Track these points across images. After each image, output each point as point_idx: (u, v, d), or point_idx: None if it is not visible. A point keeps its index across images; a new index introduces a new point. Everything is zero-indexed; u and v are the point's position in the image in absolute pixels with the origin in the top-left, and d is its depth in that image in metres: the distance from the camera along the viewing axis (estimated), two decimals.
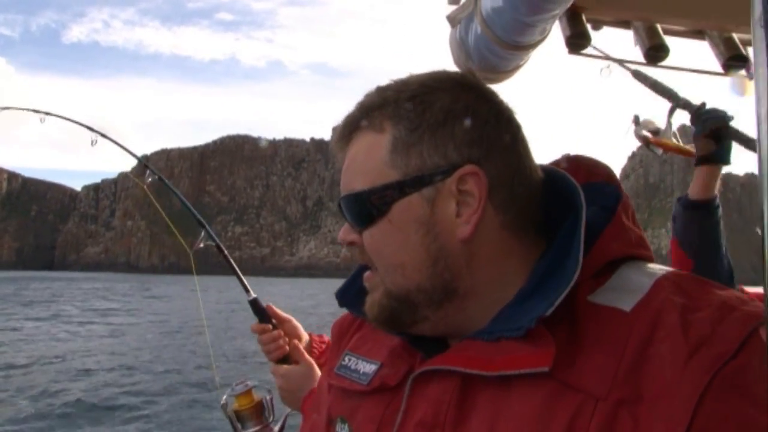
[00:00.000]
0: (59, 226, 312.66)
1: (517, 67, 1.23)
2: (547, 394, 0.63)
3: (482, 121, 0.72)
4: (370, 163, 0.74)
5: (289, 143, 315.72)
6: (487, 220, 0.71)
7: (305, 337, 1.63)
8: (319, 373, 1.45)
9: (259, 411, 1.53)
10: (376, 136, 0.74)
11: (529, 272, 0.72)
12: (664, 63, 1.43)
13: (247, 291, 1.72)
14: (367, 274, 0.80)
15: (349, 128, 0.77)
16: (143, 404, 12.18)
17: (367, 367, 0.83)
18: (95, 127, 2.10)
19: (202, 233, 1.87)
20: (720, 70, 1.47)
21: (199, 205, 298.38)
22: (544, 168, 0.79)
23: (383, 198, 0.72)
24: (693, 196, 1.70)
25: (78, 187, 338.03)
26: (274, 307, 1.64)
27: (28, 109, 2.19)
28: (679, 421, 0.55)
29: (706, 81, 1.59)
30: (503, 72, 1.23)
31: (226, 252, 1.88)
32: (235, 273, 1.82)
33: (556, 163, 0.81)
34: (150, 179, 2.08)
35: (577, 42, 1.29)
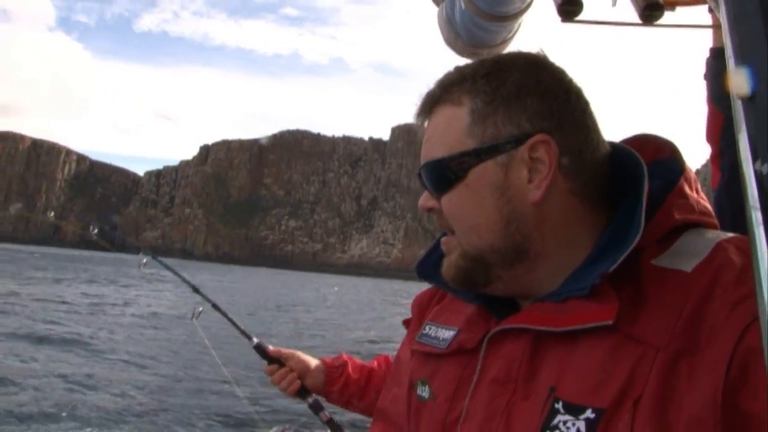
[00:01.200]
0: (121, 210, 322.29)
1: (506, 40, 1.24)
2: (610, 346, 0.67)
3: (553, 96, 0.77)
4: (449, 134, 0.80)
5: (347, 141, 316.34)
6: (557, 186, 0.76)
7: (314, 363, 1.70)
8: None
9: None
10: (455, 109, 0.80)
11: (597, 239, 0.77)
12: (659, 22, 1.43)
13: (249, 338, 1.80)
14: (444, 238, 0.86)
15: (431, 102, 0.83)
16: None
17: (446, 333, 0.88)
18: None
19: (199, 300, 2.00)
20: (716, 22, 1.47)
21: (256, 197, 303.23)
22: (612, 144, 0.84)
23: (461, 164, 0.78)
24: (719, 43, 1.64)
25: (141, 172, 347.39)
26: (272, 348, 1.74)
27: None
28: (721, 360, 0.59)
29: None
30: (492, 46, 1.24)
31: (222, 310, 1.96)
32: (233, 324, 1.89)
33: (626, 140, 0.85)
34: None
35: (569, 9, 1.30)
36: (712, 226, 0.77)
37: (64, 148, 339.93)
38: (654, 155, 0.81)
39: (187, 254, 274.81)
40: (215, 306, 1.93)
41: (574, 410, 0.66)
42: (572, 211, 0.77)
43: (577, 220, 0.77)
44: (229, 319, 1.90)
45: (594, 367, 0.67)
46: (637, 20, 1.41)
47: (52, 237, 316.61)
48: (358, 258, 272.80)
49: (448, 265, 0.84)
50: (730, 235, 0.73)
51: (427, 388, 0.87)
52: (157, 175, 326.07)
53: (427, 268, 0.96)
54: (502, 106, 0.77)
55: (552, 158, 0.75)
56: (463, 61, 0.90)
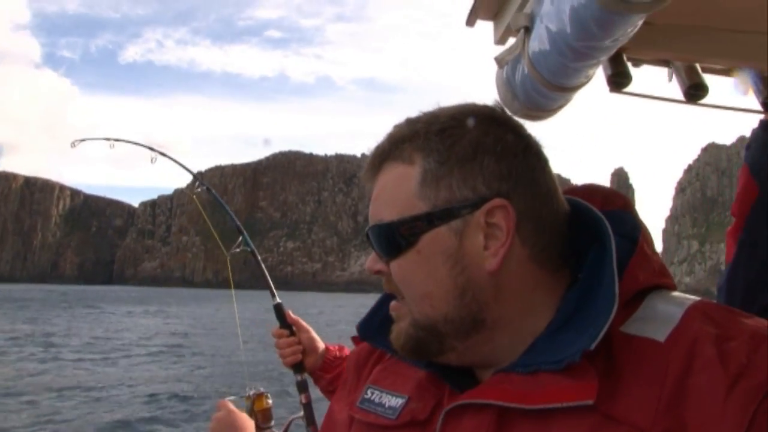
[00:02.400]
0: (118, 242, 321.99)
1: (562, 106, 1.29)
2: (590, 428, 0.62)
3: (511, 155, 0.72)
4: (399, 195, 0.75)
5: (340, 159, 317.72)
6: (514, 252, 0.72)
7: (321, 347, 1.71)
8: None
9: (268, 416, 1.60)
10: (406, 168, 0.74)
11: (557, 304, 0.73)
12: (702, 101, 1.44)
13: (273, 295, 1.82)
14: (393, 303, 0.80)
15: (379, 159, 0.78)
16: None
17: (393, 401, 0.81)
18: (153, 145, 2.26)
19: (240, 239, 1.97)
20: (759, 107, 1.50)
21: (252, 221, 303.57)
22: (570, 202, 0.79)
23: (412, 229, 0.73)
24: None
25: (136, 203, 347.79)
26: (293, 315, 1.74)
27: (99, 138, 2.44)
28: None
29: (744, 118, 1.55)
30: (548, 111, 1.28)
31: (259, 258, 2.00)
32: (264, 277, 1.94)
33: (572, 190, 0.82)
34: (199, 189, 2.22)
35: (618, 81, 1.34)
36: (671, 287, 0.75)
37: (57, 183, 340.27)
38: (603, 205, 0.78)
39: (186, 282, 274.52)
40: (253, 253, 1.96)
41: None
42: (531, 277, 0.73)
43: (536, 285, 0.73)
44: (263, 270, 1.94)
45: None
46: (681, 98, 1.44)
47: (50, 274, 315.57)
48: (359, 275, 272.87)
49: (398, 332, 0.78)
50: (694, 298, 0.71)
51: None
52: (152, 205, 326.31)
53: (370, 328, 0.89)
54: (457, 166, 0.72)
55: (510, 224, 0.70)
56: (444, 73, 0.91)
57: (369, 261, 0.80)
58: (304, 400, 1.70)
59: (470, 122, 0.74)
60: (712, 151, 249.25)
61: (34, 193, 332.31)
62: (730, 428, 0.56)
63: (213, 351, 24.16)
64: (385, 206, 0.76)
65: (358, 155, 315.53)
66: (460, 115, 0.75)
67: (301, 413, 1.70)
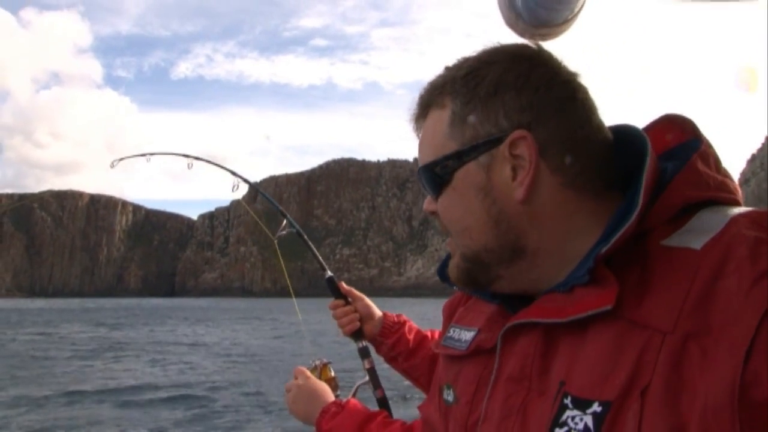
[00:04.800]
0: (179, 254, 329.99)
1: (569, 20, 1.25)
2: (615, 333, 0.65)
3: (533, 89, 0.75)
4: (434, 137, 0.80)
5: (392, 164, 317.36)
6: (545, 180, 0.74)
7: (378, 314, 1.75)
8: (326, 394, 1.46)
9: (334, 385, 1.62)
10: (440, 113, 0.80)
11: (605, 226, 0.74)
12: None
13: (323, 269, 1.85)
14: (447, 240, 0.86)
15: (422, 108, 0.84)
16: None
17: (467, 335, 0.88)
18: (207, 158, 2.29)
19: (284, 221, 1.99)
20: None
21: (308, 229, 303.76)
22: (617, 127, 0.81)
23: (445, 168, 0.78)
24: None
25: (194, 216, 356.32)
26: (346, 286, 1.78)
27: (135, 156, 2.49)
28: (741, 344, 0.56)
29: None
30: (554, 25, 1.24)
31: (305, 236, 2.01)
32: (312, 253, 1.97)
33: (653, 123, 0.82)
34: (238, 187, 2.20)
35: None
36: (732, 203, 0.73)
37: (120, 200, 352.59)
38: (679, 138, 0.78)
39: (246, 292, 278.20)
40: (299, 233, 1.99)
41: (582, 404, 0.65)
42: (569, 202, 0.75)
43: (576, 210, 0.75)
44: (310, 248, 1.97)
45: (599, 357, 0.65)
46: None
47: (116, 287, 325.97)
48: (415, 279, 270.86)
49: (452, 267, 0.85)
50: (747, 209, 0.70)
51: (451, 392, 0.87)
52: (210, 217, 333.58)
53: (446, 271, 0.94)
54: (480, 104, 0.76)
55: (532, 153, 0.73)
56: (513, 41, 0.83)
57: (425, 203, 0.86)
58: (367, 365, 1.72)
59: (494, 61, 0.77)
60: None
61: (98, 209, 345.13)
62: (745, 322, 0.56)
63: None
64: (424, 150, 0.82)
65: (411, 159, 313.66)
66: (486, 56, 0.79)
67: (366, 378, 1.71)
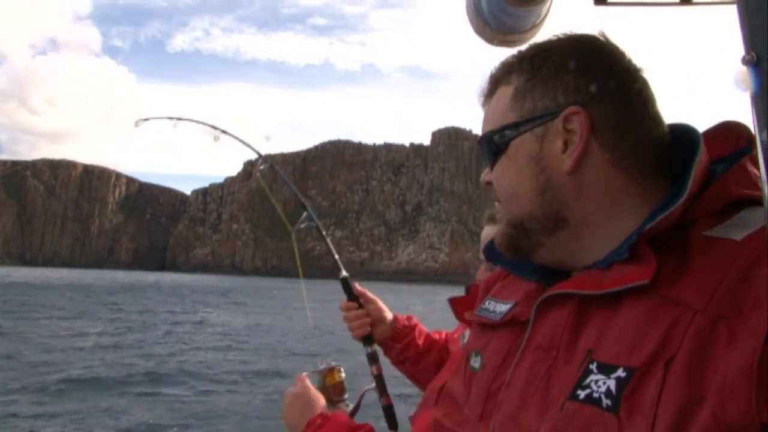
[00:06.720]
0: (170, 229, 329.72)
1: (535, 26, 1.25)
2: (648, 308, 0.68)
3: (592, 73, 0.80)
4: (497, 110, 0.87)
5: (388, 148, 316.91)
6: (593, 156, 0.78)
7: (389, 317, 1.74)
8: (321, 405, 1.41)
9: (341, 389, 1.58)
10: (506, 88, 0.87)
11: (650, 210, 0.77)
12: (698, 0, 1.34)
13: (339, 270, 1.86)
14: (497, 206, 0.92)
15: (491, 85, 0.91)
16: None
17: (503, 307, 0.92)
18: (202, 131, 2.20)
19: (304, 214, 2.00)
20: None
21: (300, 210, 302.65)
22: (675, 124, 0.85)
23: (503, 137, 0.85)
24: None
25: (188, 191, 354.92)
26: (359, 287, 1.78)
27: (163, 117, 2.36)
28: (764, 325, 0.58)
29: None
30: (521, 32, 1.25)
31: (324, 232, 2.01)
32: (330, 252, 1.97)
33: (713, 128, 0.85)
34: (262, 167, 2.24)
35: None
36: None
37: (114, 171, 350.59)
38: (736, 144, 0.81)
39: (236, 269, 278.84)
40: (318, 228, 1.98)
41: (607, 369, 0.67)
42: (615, 180, 0.78)
43: (622, 190, 0.79)
44: (328, 245, 1.98)
45: (630, 328, 0.68)
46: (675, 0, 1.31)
47: (107, 259, 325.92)
48: (406, 264, 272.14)
49: (497, 233, 0.90)
50: None
51: (479, 359, 0.91)
52: (203, 193, 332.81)
53: (493, 250, 0.98)
54: (541, 82, 0.82)
55: (584, 129, 0.77)
56: (493, 50, 0.95)
57: (483, 174, 0.92)
58: (375, 372, 1.71)
59: (560, 46, 0.84)
60: None
61: (92, 180, 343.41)
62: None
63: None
64: (487, 121, 0.89)
65: (407, 144, 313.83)
66: (555, 41, 0.86)
67: (373, 384, 1.70)
